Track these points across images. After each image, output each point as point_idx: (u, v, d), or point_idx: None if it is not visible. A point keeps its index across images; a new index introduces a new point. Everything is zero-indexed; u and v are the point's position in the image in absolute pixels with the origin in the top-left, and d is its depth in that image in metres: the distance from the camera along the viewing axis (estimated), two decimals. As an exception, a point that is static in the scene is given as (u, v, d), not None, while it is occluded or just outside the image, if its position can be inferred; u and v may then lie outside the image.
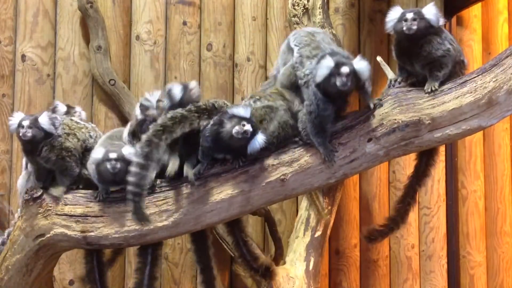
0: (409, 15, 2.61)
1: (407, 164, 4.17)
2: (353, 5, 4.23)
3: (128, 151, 2.72)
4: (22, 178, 3.05)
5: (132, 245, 2.92)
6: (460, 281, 4.29)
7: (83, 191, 2.88)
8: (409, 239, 4.21)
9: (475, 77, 2.63)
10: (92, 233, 2.77)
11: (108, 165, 2.69)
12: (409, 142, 2.65)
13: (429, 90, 2.64)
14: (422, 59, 2.65)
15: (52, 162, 2.83)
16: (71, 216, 2.79)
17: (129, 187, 2.55)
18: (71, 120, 2.98)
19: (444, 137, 2.63)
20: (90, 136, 2.96)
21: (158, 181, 2.79)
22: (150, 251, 2.96)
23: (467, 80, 2.63)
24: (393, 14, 2.68)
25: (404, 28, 2.60)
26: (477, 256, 4.31)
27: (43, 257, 2.86)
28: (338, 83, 2.51)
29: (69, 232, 2.78)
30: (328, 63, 2.53)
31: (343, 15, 4.21)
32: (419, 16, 2.61)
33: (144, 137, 2.61)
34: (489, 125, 2.64)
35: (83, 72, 3.93)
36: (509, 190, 4.40)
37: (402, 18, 2.63)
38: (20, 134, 2.78)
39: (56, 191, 2.84)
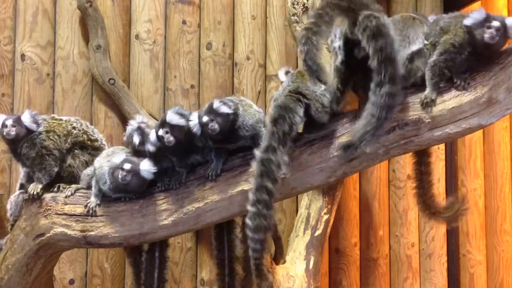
0: (495, 23, 2.52)
1: (407, 162, 4.16)
2: (352, 3, 4.23)
3: (146, 166, 2.71)
4: (15, 196, 3.02)
5: (132, 244, 2.91)
6: (460, 280, 4.28)
7: (83, 190, 2.88)
8: (409, 237, 4.21)
9: (474, 75, 2.62)
10: (92, 233, 2.77)
11: (119, 174, 2.68)
12: (409, 141, 2.64)
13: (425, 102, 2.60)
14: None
15: (32, 159, 2.85)
16: (71, 215, 2.79)
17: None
18: (52, 117, 3.00)
19: (444, 135, 2.62)
20: (74, 128, 2.96)
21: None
22: (158, 254, 2.98)
23: (466, 79, 2.63)
24: (477, 15, 2.57)
25: (487, 36, 2.52)
26: (477, 254, 4.31)
27: (43, 256, 2.86)
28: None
29: (69, 232, 2.77)
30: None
31: (343, 13, 4.20)
32: (503, 25, 2.51)
33: None
34: (489, 124, 2.63)
35: (83, 71, 3.92)
36: (509, 188, 4.40)
37: (485, 24, 2.52)
38: (4, 134, 2.82)
39: (32, 188, 2.83)
